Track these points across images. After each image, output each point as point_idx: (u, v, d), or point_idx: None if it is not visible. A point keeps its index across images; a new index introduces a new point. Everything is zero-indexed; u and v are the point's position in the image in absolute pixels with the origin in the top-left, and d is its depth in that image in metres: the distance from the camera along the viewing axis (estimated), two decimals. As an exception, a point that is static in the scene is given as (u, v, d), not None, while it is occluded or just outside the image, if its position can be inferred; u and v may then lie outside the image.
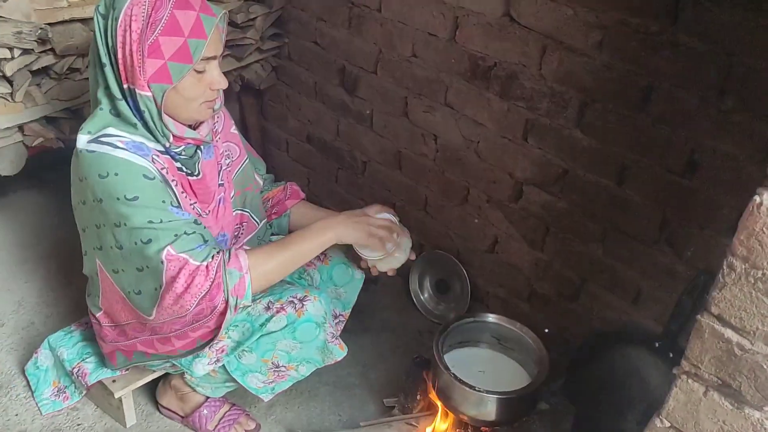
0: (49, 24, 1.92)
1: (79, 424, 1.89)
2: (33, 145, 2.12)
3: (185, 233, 1.48)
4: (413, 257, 1.81)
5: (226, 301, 1.51)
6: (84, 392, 1.92)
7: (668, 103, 1.60)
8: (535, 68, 1.83)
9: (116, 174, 1.43)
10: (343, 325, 1.90)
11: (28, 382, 1.95)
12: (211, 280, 1.48)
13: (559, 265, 2.01)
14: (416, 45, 2.11)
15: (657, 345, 1.62)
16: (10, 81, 1.94)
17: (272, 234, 1.95)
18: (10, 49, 1.87)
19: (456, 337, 1.83)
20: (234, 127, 1.84)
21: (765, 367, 0.89)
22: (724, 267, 0.88)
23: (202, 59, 1.45)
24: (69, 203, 1.57)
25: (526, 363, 1.81)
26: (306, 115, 2.63)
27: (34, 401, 1.92)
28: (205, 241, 1.53)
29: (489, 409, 1.65)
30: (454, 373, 1.65)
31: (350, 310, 1.93)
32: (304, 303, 1.66)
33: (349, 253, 1.89)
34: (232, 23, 2.35)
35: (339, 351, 1.72)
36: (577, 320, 1.99)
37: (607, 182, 1.80)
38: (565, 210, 1.92)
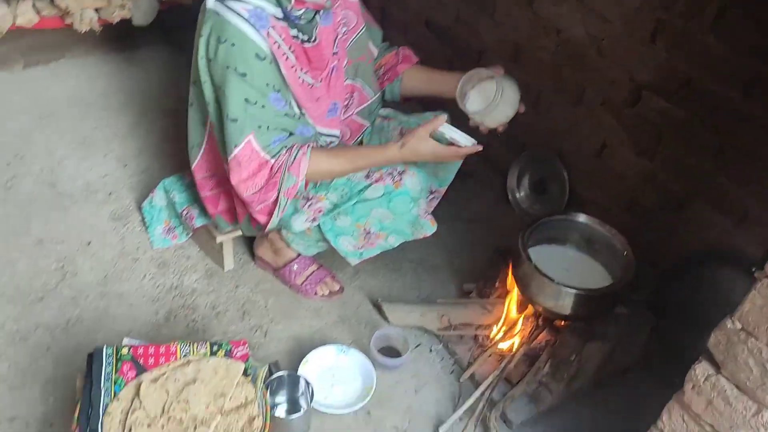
0: None
1: (183, 261, 2.06)
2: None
3: (268, 127, 1.60)
4: (522, 109, 1.75)
5: (277, 199, 1.65)
6: (190, 234, 2.09)
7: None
8: (677, -38, 1.69)
9: (233, 44, 1.52)
10: (437, 201, 1.93)
11: (143, 218, 2.14)
12: (270, 178, 1.64)
13: (666, 177, 1.93)
14: (552, -72, 1.99)
15: (754, 271, 1.55)
16: (149, -69, 2.02)
17: (383, 106, 1.97)
18: None
19: (545, 233, 1.82)
20: None
21: None
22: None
23: None
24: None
25: (612, 268, 1.79)
26: (427, -2, 2.58)
27: (147, 235, 2.10)
28: (286, 135, 1.63)
29: (565, 303, 1.66)
30: (534, 263, 1.66)
31: (446, 187, 1.94)
32: (403, 176, 1.70)
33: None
34: None
35: (429, 226, 1.77)
36: (675, 236, 1.93)
37: (733, 94, 1.68)
38: (683, 119, 1.82)
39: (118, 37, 2.71)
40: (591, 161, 2.14)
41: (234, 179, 1.67)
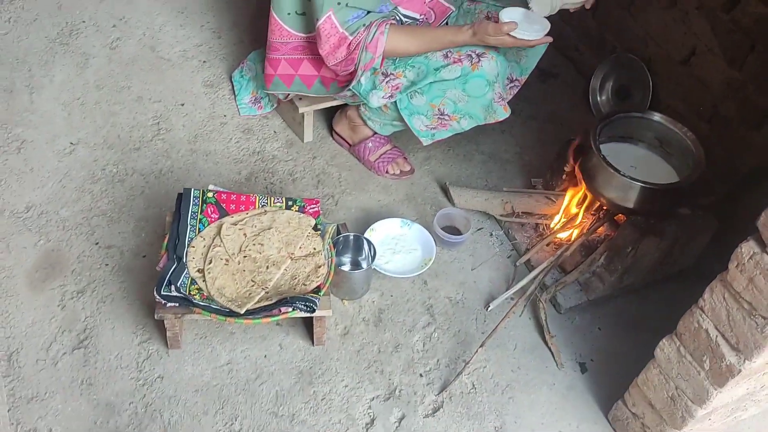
0: None
1: (267, 130, 2.18)
2: None
3: (347, 4, 1.67)
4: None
5: (355, 71, 1.76)
6: (275, 106, 2.20)
7: None
8: None
9: None
10: (517, 90, 1.95)
11: (232, 86, 2.26)
12: (349, 53, 1.72)
13: (753, 89, 1.88)
14: None
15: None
16: None
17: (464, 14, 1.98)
18: None
19: (617, 130, 1.83)
20: None
21: None
22: None
23: None
24: None
25: (681, 170, 1.79)
26: None
27: (235, 103, 2.23)
28: (364, 12, 1.70)
29: (629, 196, 1.69)
30: (603, 155, 1.69)
31: (527, 76, 1.95)
32: (481, 59, 1.74)
33: None
34: None
35: (502, 112, 1.81)
36: (752, 150, 1.90)
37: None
38: (781, 27, 1.76)
39: None
40: (678, 68, 2.10)
41: (320, 50, 1.76)
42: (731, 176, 1.89)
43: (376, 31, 1.70)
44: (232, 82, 2.27)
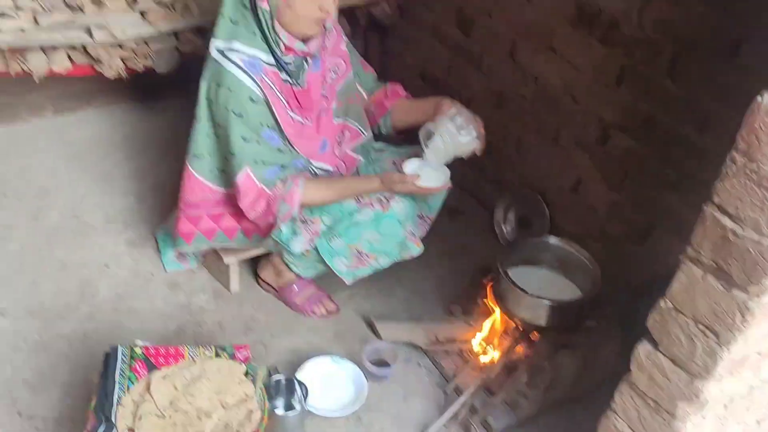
0: (210, -56, 2.24)
1: (193, 283, 2.24)
2: (184, 51, 2.49)
3: (264, 161, 1.84)
4: (479, 148, 1.94)
5: (275, 222, 1.90)
6: (201, 260, 2.28)
7: (755, 55, 1.66)
8: (636, 17, 1.93)
9: (230, 89, 1.76)
10: (428, 227, 2.11)
11: (157, 244, 2.33)
12: (268, 206, 1.87)
13: (632, 208, 2.11)
14: (529, -11, 2.25)
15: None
16: (173, -9, 2.29)
17: (379, 138, 2.19)
18: (176, -38, 2.21)
19: (521, 255, 2.00)
20: (345, 43, 2.07)
21: (752, 251, 1.02)
22: (727, 161, 1.01)
23: None
24: None
25: (583, 286, 1.96)
26: (423, 54, 2.84)
27: (160, 260, 2.29)
28: (280, 168, 1.87)
29: (539, 314, 1.83)
30: (511, 278, 1.84)
31: (436, 214, 2.12)
32: (390, 202, 1.90)
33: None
34: (365, -40, 2.58)
35: (415, 248, 1.95)
36: (642, 262, 2.10)
37: (689, 130, 1.88)
38: (646, 155, 2.02)
39: (142, 87, 2.97)
40: (568, 196, 2.34)
41: (240, 204, 1.88)
42: (627, 288, 2.07)
43: (292, 184, 1.84)
44: (156, 240, 2.34)
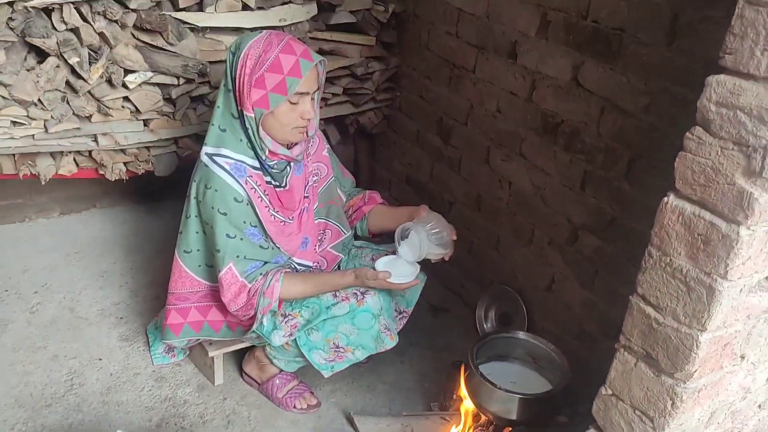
0: (209, 62, 2.47)
1: (179, 376, 2.31)
2: (183, 155, 2.68)
3: (245, 257, 1.96)
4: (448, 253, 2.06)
5: (255, 315, 1.99)
6: (187, 353, 2.36)
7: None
8: (594, 126, 2.10)
9: (216, 190, 1.92)
10: (405, 320, 2.20)
11: (147, 338, 2.42)
12: (248, 300, 1.97)
13: (605, 305, 2.20)
14: (500, 102, 2.45)
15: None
16: (173, 103, 2.51)
17: (357, 238, 2.32)
18: (177, 77, 2.43)
19: (492, 350, 2.07)
20: (327, 150, 2.24)
21: (672, 337, 1.11)
22: (646, 255, 1.12)
23: (295, 93, 1.87)
24: None
25: (555, 381, 2.01)
26: (408, 159, 3.03)
27: (149, 354, 2.37)
28: (261, 263, 2.00)
29: (510, 408, 1.87)
30: (482, 372, 1.90)
31: (413, 307, 2.21)
32: (365, 296, 2.00)
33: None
34: (353, 75, 2.82)
35: (389, 341, 2.03)
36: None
37: (649, 230, 1.99)
38: (612, 254, 2.13)
39: (143, 191, 3.16)
40: (543, 294, 2.43)
41: (223, 298, 1.98)
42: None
43: (272, 279, 1.95)
44: (146, 335, 2.43)
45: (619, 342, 1.24)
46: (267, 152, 1.95)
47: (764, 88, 0.95)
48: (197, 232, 2.02)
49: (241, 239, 1.94)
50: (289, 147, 2.00)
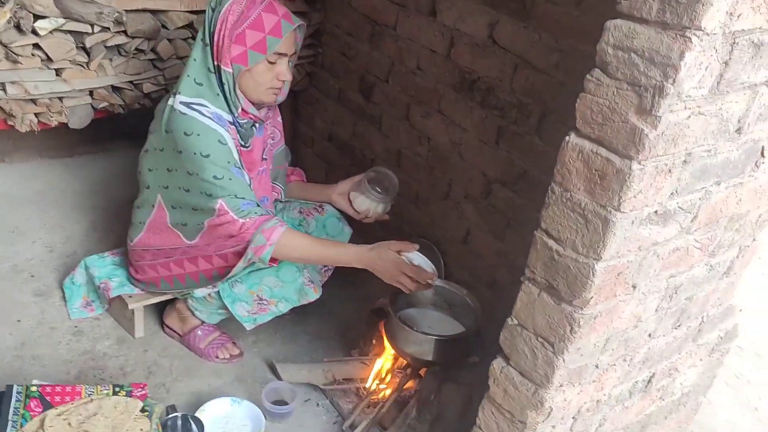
0: (126, 10, 2.40)
1: (98, 330, 2.29)
2: (99, 108, 2.61)
3: (236, 195, 1.89)
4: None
5: (246, 250, 1.90)
6: (106, 307, 2.33)
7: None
8: (508, 83, 2.19)
9: (198, 135, 1.88)
10: (330, 273, 2.24)
11: (63, 294, 2.37)
12: (237, 234, 1.89)
13: (516, 255, 2.31)
14: (420, 59, 2.50)
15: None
16: (87, 52, 2.43)
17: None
18: (91, 25, 2.35)
19: (409, 297, 2.15)
20: (280, 117, 2.29)
21: (572, 267, 1.21)
22: (549, 191, 1.21)
23: (274, 53, 1.88)
24: (124, 168, 2.03)
25: (469, 325, 2.12)
26: (330, 116, 3.05)
27: (66, 309, 2.33)
28: (254, 203, 1.93)
29: (426, 349, 1.97)
30: (399, 316, 1.98)
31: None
32: (290, 251, 2.03)
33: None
34: (274, 30, 2.80)
35: (313, 293, 2.08)
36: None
37: (556, 182, 2.11)
38: (523, 205, 2.24)
39: (56, 146, 3.05)
40: (459, 246, 2.53)
41: (211, 233, 1.93)
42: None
43: (276, 222, 1.90)
44: (63, 290, 2.38)
45: (524, 275, 1.33)
46: (240, 110, 1.95)
47: (654, 32, 1.04)
48: (175, 188, 1.95)
49: (230, 179, 1.89)
50: (258, 108, 2.01)
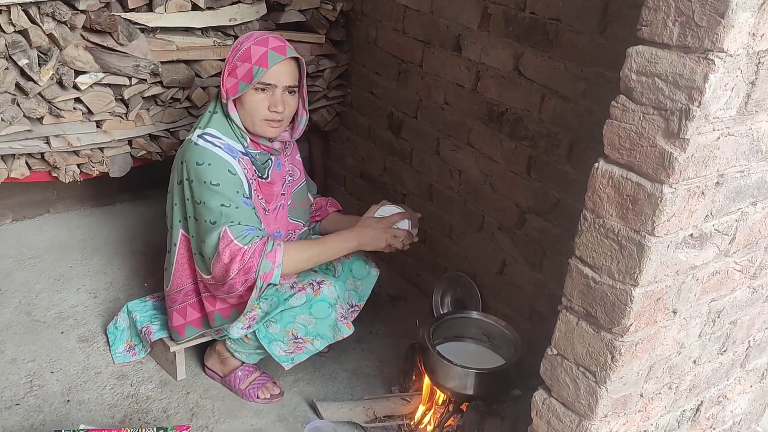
0: (161, 62, 2.50)
1: (141, 373, 2.32)
2: (137, 156, 2.69)
3: (240, 222, 1.94)
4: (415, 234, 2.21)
5: (255, 280, 1.93)
6: (149, 350, 2.37)
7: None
8: (536, 113, 2.20)
9: (209, 164, 1.95)
10: (356, 314, 2.26)
11: (107, 338, 2.42)
12: (245, 264, 1.90)
13: (554, 285, 2.29)
14: (447, 94, 2.53)
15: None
16: (126, 103, 2.52)
17: (311, 234, 2.38)
18: (129, 78, 2.45)
19: (448, 331, 2.14)
20: (299, 156, 2.36)
21: (609, 294, 1.20)
22: (581, 218, 1.21)
23: (260, 82, 1.94)
24: (162, 213, 2.14)
25: (509, 357, 2.09)
26: (361, 154, 3.09)
27: (110, 353, 2.38)
28: (256, 229, 1.97)
29: (467, 384, 1.95)
30: (438, 350, 1.97)
31: (365, 301, 2.28)
32: (321, 285, 2.05)
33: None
34: (304, 73, 2.87)
35: (346, 329, 2.08)
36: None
37: (590, 209, 2.10)
38: (558, 234, 2.23)
39: (97, 194, 3.15)
40: (495, 278, 2.52)
41: (216, 270, 1.93)
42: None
43: (274, 244, 1.94)
44: (106, 335, 2.43)
45: (562, 304, 1.32)
46: (248, 140, 2.03)
47: (677, 56, 1.04)
48: (189, 217, 2.01)
49: (237, 207, 1.93)
50: (270, 140, 2.09)
